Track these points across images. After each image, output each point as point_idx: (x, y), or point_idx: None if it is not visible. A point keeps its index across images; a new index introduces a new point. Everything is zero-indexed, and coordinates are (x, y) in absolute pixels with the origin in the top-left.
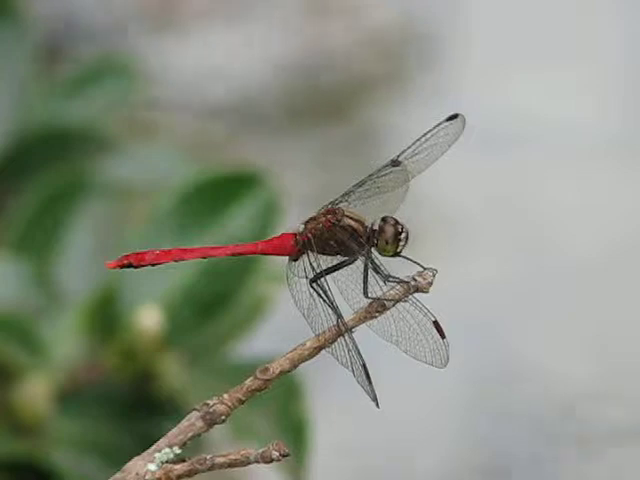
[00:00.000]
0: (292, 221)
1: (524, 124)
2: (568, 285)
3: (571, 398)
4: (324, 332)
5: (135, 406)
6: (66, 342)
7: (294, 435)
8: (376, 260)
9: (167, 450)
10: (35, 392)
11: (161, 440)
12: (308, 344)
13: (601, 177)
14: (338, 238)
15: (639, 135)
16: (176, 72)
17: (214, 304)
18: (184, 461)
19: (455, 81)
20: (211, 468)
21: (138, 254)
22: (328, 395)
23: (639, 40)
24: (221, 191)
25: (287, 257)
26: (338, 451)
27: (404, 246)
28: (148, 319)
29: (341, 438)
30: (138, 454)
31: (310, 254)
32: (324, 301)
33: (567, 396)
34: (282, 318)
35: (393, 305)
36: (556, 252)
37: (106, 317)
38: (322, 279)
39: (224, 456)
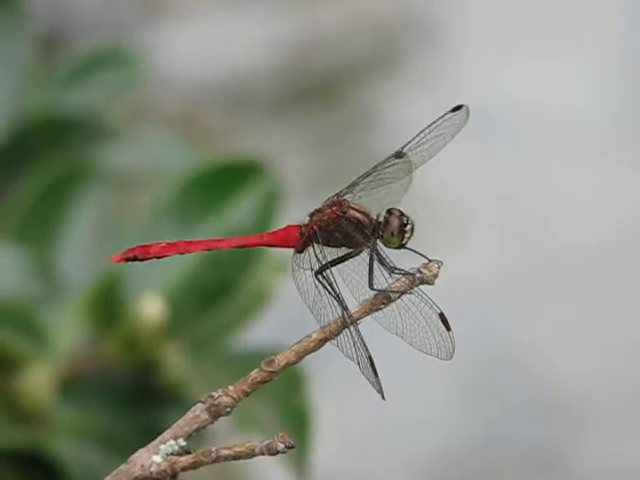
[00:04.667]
0: (288, 207)
1: (521, 110)
2: (564, 272)
3: (567, 381)
4: (329, 324)
5: (137, 395)
6: (68, 331)
7: (296, 425)
8: (381, 252)
9: (172, 442)
10: (37, 381)
11: (166, 432)
12: (313, 336)
13: (598, 164)
14: (343, 230)
15: (635, 122)
16: (171, 56)
17: (216, 293)
18: (189, 453)
19: (451, 65)
20: (216, 460)
21: (144, 247)
22: (326, 380)
23: (636, 27)
24: (223, 181)
25: (292, 249)
26: (337, 436)
27: (409, 238)
28: (150, 308)
29: (339, 422)
30: (143, 445)
31: (315, 246)
32: (329, 293)
33: (563, 379)
34: (284, 308)
35: (398, 297)
36: (552, 239)
37: (108, 306)
38: (327, 271)
39: (229, 448)
